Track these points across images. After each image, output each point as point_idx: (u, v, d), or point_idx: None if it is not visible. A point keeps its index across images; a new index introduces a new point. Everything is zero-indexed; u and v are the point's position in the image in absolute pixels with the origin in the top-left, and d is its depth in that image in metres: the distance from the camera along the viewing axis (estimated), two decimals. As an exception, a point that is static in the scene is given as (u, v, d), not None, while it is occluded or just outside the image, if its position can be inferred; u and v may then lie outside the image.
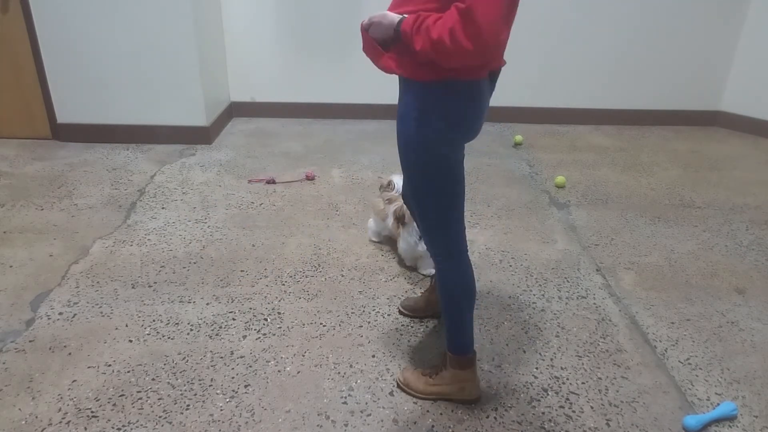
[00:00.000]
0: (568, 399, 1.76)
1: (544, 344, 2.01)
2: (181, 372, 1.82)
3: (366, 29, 1.40)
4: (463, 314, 1.64)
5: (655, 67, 4.53)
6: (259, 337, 2.00)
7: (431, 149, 1.43)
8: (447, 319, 1.66)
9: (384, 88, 4.58)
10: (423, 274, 2.39)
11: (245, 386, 1.77)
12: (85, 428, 1.60)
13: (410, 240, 2.31)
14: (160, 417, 1.65)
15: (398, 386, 1.79)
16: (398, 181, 2.50)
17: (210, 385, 1.77)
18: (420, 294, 2.23)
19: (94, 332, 2.00)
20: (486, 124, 4.63)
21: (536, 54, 4.48)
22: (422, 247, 2.25)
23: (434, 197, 1.50)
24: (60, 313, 2.09)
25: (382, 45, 1.38)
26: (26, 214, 2.84)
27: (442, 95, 1.37)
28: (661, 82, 4.59)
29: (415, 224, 2.22)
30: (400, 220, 2.31)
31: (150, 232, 2.71)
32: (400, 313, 2.15)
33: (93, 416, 1.64)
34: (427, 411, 1.70)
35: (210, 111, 3.99)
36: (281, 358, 1.90)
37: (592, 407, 1.73)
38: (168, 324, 2.06)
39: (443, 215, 1.53)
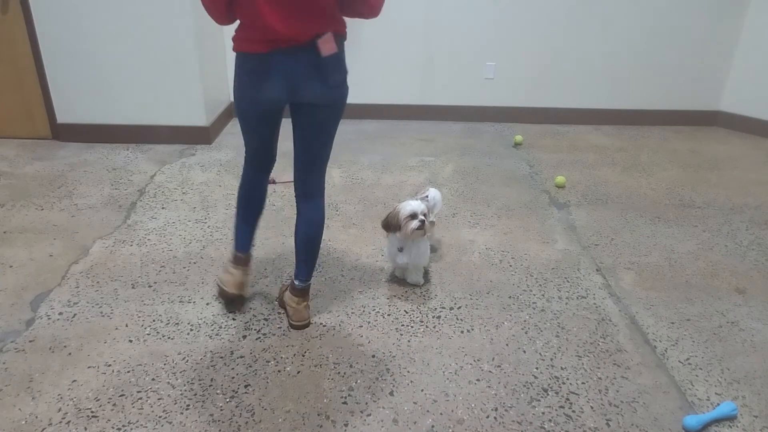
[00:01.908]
0: (568, 399, 1.76)
1: (544, 344, 2.01)
2: (181, 372, 1.82)
3: None
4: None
5: (655, 67, 4.53)
6: (259, 337, 2.00)
7: (236, 105, 1.90)
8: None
9: (383, 88, 4.59)
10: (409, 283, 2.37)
11: (245, 386, 1.77)
12: (85, 428, 1.60)
13: (390, 249, 2.28)
14: (160, 417, 1.65)
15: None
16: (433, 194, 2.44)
17: (210, 385, 1.77)
18: None
19: (94, 332, 2.00)
20: (486, 124, 4.65)
21: (536, 54, 4.48)
22: (401, 259, 2.23)
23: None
24: (60, 313, 2.09)
25: None
26: (26, 214, 2.84)
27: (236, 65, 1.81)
28: (661, 82, 4.59)
29: (396, 235, 2.19)
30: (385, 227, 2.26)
31: (150, 232, 2.71)
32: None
33: (93, 416, 1.64)
34: (427, 411, 1.70)
35: (210, 111, 3.99)
36: (281, 358, 1.90)
37: (592, 407, 1.73)
38: (168, 324, 2.06)
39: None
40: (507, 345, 2.00)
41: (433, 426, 1.65)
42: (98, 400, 1.70)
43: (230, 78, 4.47)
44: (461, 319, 2.13)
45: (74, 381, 1.77)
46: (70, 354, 1.89)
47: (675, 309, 2.24)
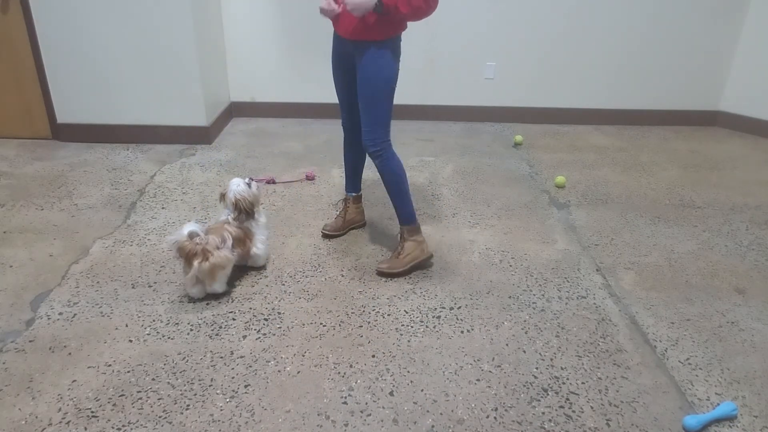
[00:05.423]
0: (568, 399, 1.76)
1: (544, 344, 2.01)
2: (181, 372, 1.82)
3: (348, 10, 2.10)
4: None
5: (655, 67, 4.53)
6: (259, 337, 2.00)
7: (395, 77, 2.33)
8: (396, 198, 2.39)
9: (384, 88, 4.58)
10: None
11: (245, 386, 1.77)
12: (85, 428, 1.60)
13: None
14: (160, 417, 1.65)
15: (382, 274, 2.35)
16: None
17: (210, 385, 1.77)
18: (336, 218, 2.76)
19: (94, 332, 2.00)
20: (486, 124, 4.65)
21: (536, 54, 4.48)
22: None
23: (390, 103, 2.34)
24: (60, 313, 2.09)
25: (362, 16, 2.11)
26: (26, 214, 2.84)
27: (392, 45, 2.26)
28: (661, 82, 4.59)
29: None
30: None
31: (150, 232, 2.71)
32: (324, 236, 2.69)
33: (93, 416, 1.64)
34: (427, 411, 1.70)
35: (210, 111, 3.99)
36: (281, 358, 1.90)
37: (592, 407, 1.73)
38: (168, 324, 2.06)
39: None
40: (507, 345, 2.00)
41: (433, 426, 1.65)
42: (98, 400, 1.70)
43: (230, 78, 4.47)
44: (461, 319, 2.13)
45: (74, 381, 1.77)
46: (70, 354, 1.89)
47: (675, 309, 2.24)
